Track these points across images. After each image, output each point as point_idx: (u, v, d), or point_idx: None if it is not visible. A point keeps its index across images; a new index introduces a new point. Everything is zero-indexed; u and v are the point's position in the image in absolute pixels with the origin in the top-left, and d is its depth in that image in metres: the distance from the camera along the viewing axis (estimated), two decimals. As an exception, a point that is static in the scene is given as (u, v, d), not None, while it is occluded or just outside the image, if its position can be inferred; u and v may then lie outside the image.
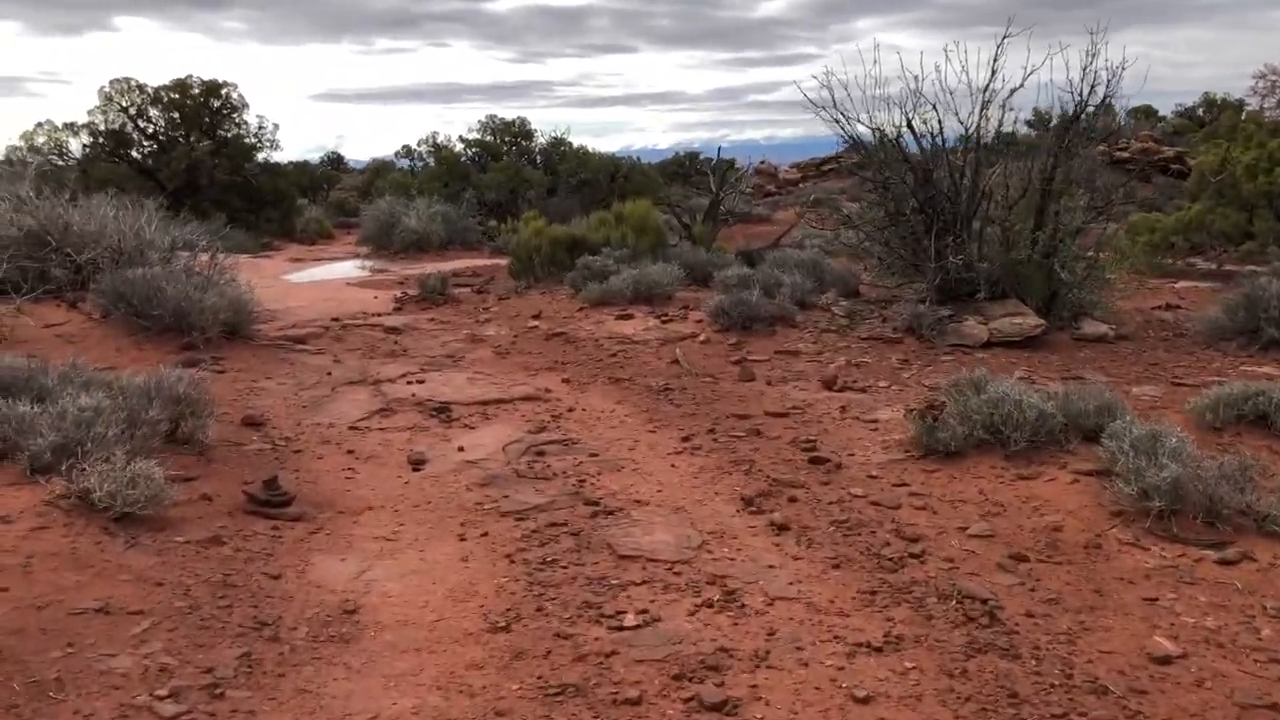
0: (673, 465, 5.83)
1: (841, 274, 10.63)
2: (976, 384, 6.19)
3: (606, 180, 30.20)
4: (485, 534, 4.76)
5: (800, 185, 29.85)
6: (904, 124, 9.52)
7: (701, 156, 48.71)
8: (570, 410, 6.99)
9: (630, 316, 9.57)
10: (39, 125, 27.17)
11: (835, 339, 8.88)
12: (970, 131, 9.88)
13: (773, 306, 9.18)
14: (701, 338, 8.89)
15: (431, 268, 16.91)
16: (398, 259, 18.75)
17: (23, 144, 27.84)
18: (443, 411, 6.83)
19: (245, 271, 16.01)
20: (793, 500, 5.22)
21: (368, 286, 14.01)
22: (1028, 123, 11.92)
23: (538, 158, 28.23)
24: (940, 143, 9.83)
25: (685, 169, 48.17)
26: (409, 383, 7.51)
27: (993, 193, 9.99)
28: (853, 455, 5.97)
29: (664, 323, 9.31)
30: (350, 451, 5.99)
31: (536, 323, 9.78)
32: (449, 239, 19.67)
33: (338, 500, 5.18)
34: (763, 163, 29.97)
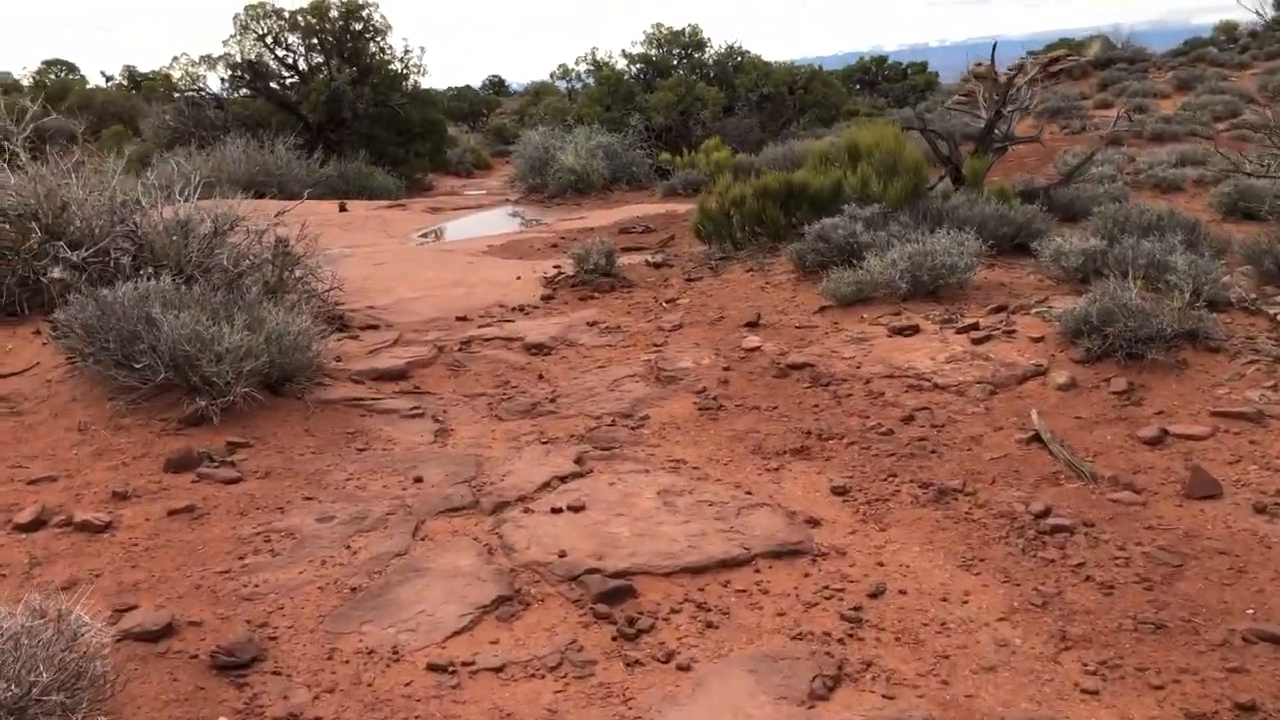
0: None
1: (1234, 240, 6.44)
2: None
3: (787, 94, 26.02)
4: None
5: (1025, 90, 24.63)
6: None
7: (889, 60, 43.28)
8: (875, 595, 3.34)
9: (914, 329, 5.77)
10: (175, 59, 25.02)
11: (1309, 379, 4.85)
12: None
13: (1167, 312, 5.20)
14: (1059, 379, 5.01)
15: (593, 217, 13.44)
16: (553, 204, 15.37)
17: (159, 82, 25.90)
18: (619, 599, 3.32)
19: (368, 234, 12.96)
20: None
21: (511, 252, 10.64)
22: None
23: (711, 72, 24.19)
24: None
25: (871, 75, 42.80)
26: (555, 508, 3.99)
27: None
28: None
29: (976, 342, 5.48)
30: (418, 775, 2.57)
31: (756, 340, 6.09)
32: (612, 177, 16.13)
33: None
34: (979, 65, 24.86)
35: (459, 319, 7.46)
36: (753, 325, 6.38)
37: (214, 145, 19.78)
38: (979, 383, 5.03)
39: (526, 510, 3.97)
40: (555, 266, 9.05)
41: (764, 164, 15.20)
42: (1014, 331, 5.57)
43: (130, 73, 50.83)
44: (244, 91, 25.18)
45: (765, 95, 23.98)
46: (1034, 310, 5.82)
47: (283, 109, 24.58)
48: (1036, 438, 4.44)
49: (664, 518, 3.88)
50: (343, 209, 14.99)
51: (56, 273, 6.04)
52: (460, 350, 6.40)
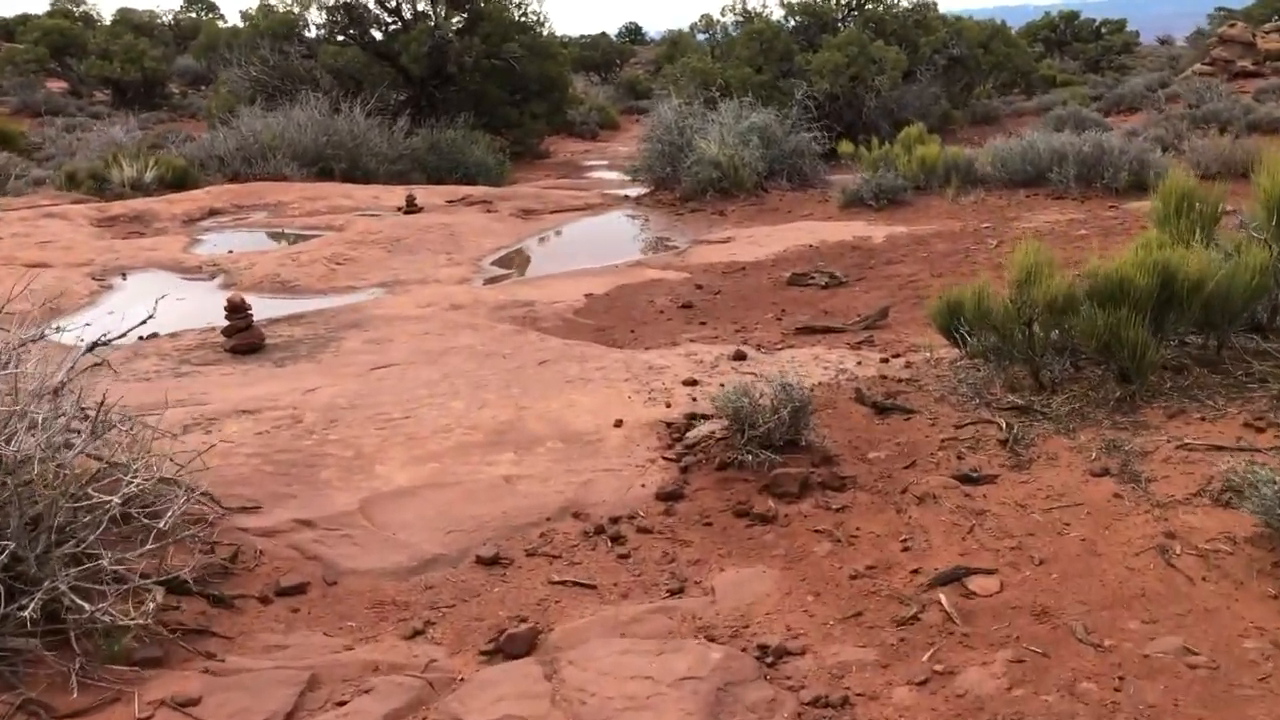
0: None
1: None
2: None
3: (979, 57, 21.03)
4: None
5: (1289, 58, 18.92)
6: None
7: (1082, 16, 36.97)
8: None
9: None
10: (263, 2, 21.61)
11: None
12: None
13: None
14: None
15: (744, 242, 9.13)
16: (686, 210, 11.09)
17: (254, 23, 22.56)
18: None
19: (421, 259, 8.91)
20: None
21: (619, 317, 6.48)
22: None
23: (889, 27, 19.28)
24: None
25: (1059, 34, 36.53)
26: None
27: None
28: None
29: None
30: None
31: None
32: (768, 169, 11.74)
33: None
34: (1232, 25, 19.23)
35: (479, 562, 3.43)
36: None
37: (283, 104, 16.19)
38: None
39: None
40: (692, 398, 4.88)
41: (993, 165, 10.54)
42: None
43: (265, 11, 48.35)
44: (340, 38, 21.60)
45: (954, 58, 19.02)
46: None
47: (381, 60, 20.89)
48: None
49: None
50: (410, 205, 11.09)
51: None
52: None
